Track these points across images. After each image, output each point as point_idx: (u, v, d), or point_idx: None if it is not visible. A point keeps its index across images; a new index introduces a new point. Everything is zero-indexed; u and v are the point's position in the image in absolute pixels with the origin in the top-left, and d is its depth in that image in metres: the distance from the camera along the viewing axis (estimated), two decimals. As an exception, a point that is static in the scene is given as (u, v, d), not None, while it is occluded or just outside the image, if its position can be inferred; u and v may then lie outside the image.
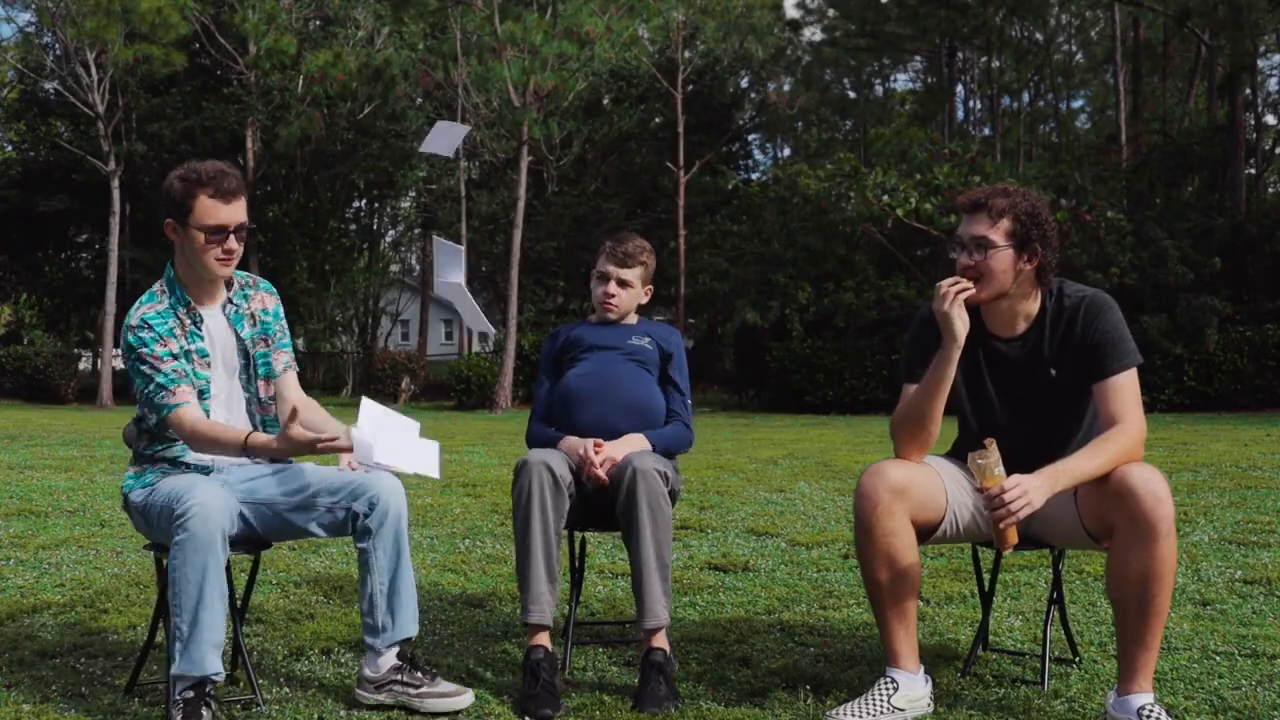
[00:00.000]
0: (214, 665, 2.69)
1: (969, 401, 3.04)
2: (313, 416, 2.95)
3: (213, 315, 3.01)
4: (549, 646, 3.10)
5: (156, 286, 2.98)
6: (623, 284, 3.57)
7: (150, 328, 2.88)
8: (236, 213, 2.83)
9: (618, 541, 5.19)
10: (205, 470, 2.99)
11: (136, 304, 2.94)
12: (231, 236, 2.85)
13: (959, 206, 2.98)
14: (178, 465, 2.98)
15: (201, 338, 2.95)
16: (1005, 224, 2.84)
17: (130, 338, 2.86)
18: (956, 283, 2.83)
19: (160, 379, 2.83)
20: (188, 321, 2.94)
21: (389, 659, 2.99)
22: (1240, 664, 3.24)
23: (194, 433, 2.80)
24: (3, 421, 16.37)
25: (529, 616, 3.10)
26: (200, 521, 2.65)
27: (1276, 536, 5.32)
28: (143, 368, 2.84)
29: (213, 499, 2.70)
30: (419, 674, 2.97)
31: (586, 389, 3.46)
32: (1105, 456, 2.69)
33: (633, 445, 3.34)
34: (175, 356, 2.87)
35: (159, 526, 2.86)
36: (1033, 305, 2.93)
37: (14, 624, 3.88)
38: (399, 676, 2.96)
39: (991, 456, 2.65)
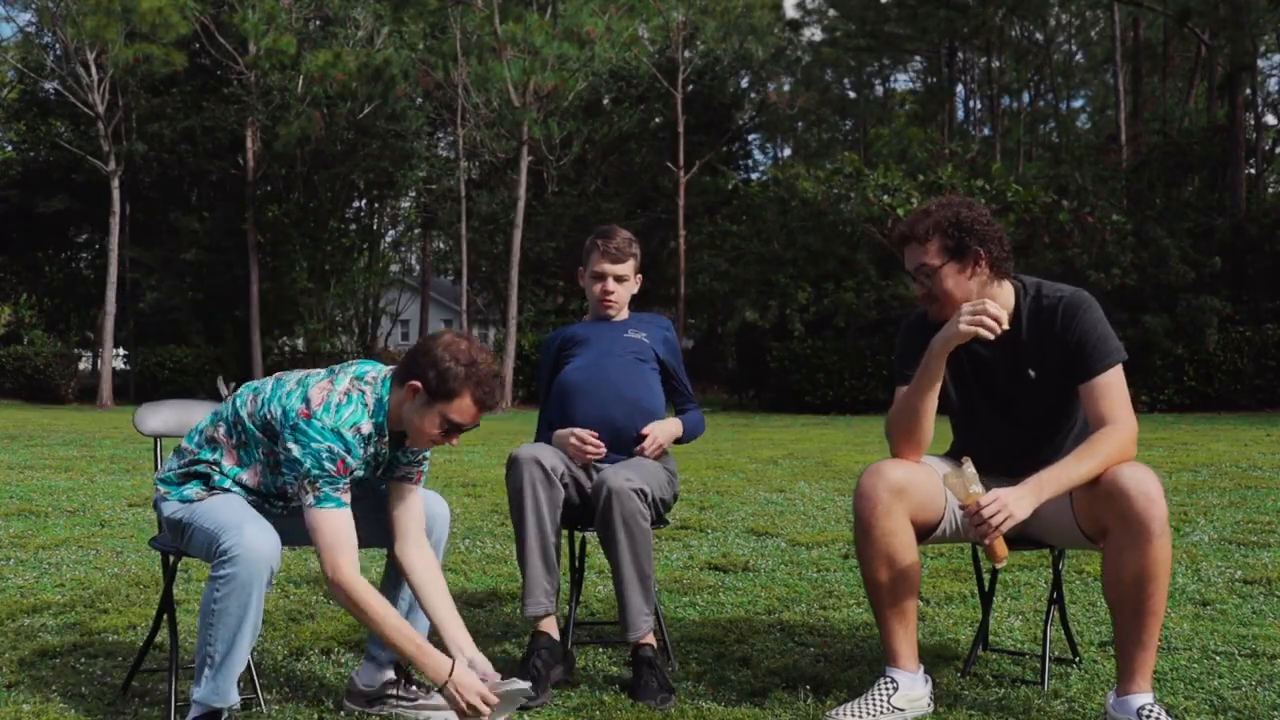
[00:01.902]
0: (235, 697, 2.68)
1: (957, 403, 3.04)
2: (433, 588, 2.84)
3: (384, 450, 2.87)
4: (553, 634, 3.16)
5: (368, 398, 2.74)
6: (619, 279, 3.60)
7: (364, 444, 2.72)
8: (479, 419, 2.78)
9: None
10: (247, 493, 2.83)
11: (351, 407, 2.70)
12: (459, 435, 2.79)
13: (892, 245, 2.99)
14: (211, 489, 2.81)
15: (365, 466, 2.83)
16: (935, 243, 2.85)
17: (350, 436, 2.67)
18: (996, 319, 2.74)
19: (338, 483, 2.67)
20: (370, 450, 2.78)
21: (386, 673, 2.96)
22: (1240, 664, 3.24)
23: (359, 598, 2.63)
24: (3, 421, 16.38)
25: (527, 609, 3.14)
26: (247, 565, 2.59)
27: (1276, 536, 5.32)
28: (329, 464, 2.64)
29: (262, 543, 2.61)
30: (414, 688, 2.95)
31: (583, 382, 3.48)
32: (1096, 460, 2.68)
33: (670, 429, 3.50)
34: (349, 474, 2.71)
35: (193, 547, 2.78)
36: (1006, 302, 2.92)
37: (14, 624, 3.88)
38: (394, 691, 2.93)
39: (966, 473, 2.64)
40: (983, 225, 2.84)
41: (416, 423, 2.71)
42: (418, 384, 2.67)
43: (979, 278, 2.86)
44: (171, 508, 2.82)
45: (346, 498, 2.68)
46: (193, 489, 2.81)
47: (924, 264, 2.86)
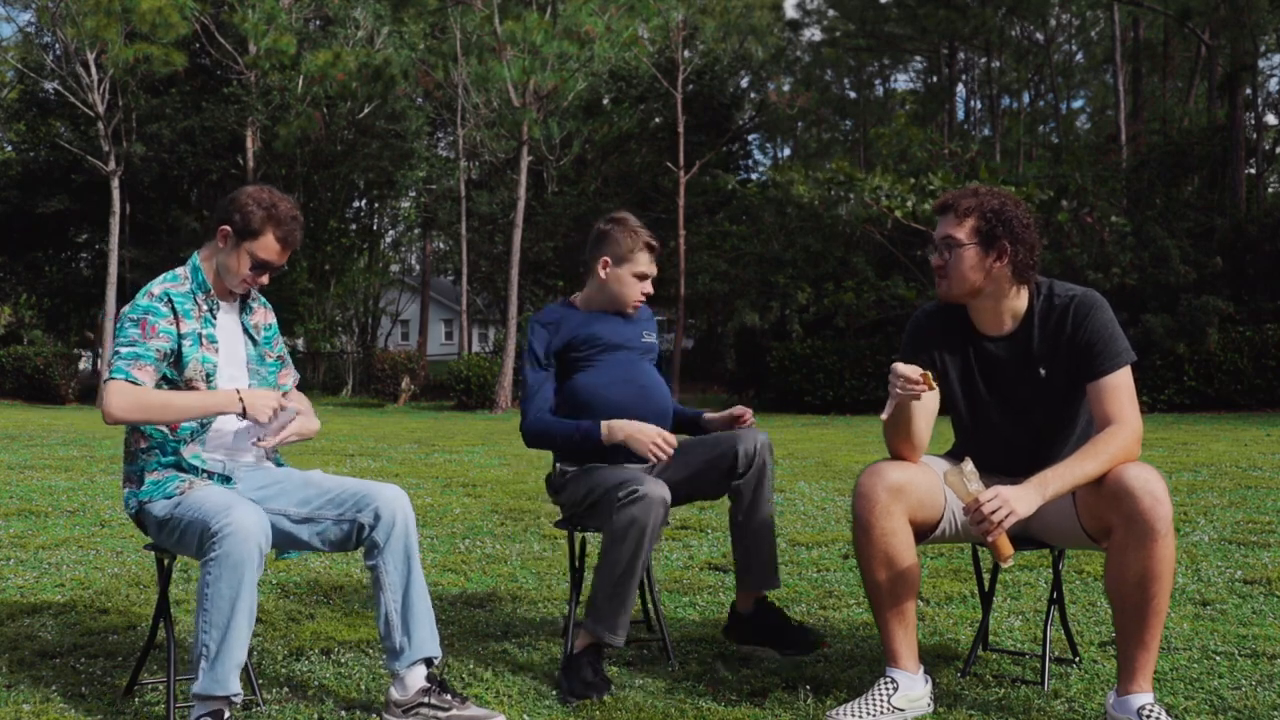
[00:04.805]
0: (235, 686, 2.65)
1: (963, 401, 3.04)
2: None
3: (226, 312, 3.08)
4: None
5: (180, 270, 3.02)
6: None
7: (171, 303, 2.92)
8: (285, 258, 3.01)
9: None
10: (225, 480, 2.93)
11: (160, 279, 2.98)
12: (268, 274, 3.01)
13: (933, 209, 3.03)
14: (197, 473, 2.90)
15: (215, 325, 3.02)
16: (970, 223, 2.88)
17: (144, 301, 2.89)
18: (905, 377, 2.73)
19: (139, 348, 2.84)
20: (205, 307, 3.00)
21: (416, 680, 2.86)
22: (1240, 664, 3.24)
23: (134, 400, 2.81)
24: (3, 421, 16.38)
25: (617, 640, 3.11)
26: (237, 541, 2.62)
27: (1276, 536, 5.32)
28: (132, 330, 2.85)
29: (250, 518, 2.66)
30: (448, 696, 2.84)
31: (627, 401, 3.36)
32: (1101, 459, 2.68)
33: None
34: (165, 355, 2.88)
35: (185, 541, 2.79)
36: (1019, 303, 2.94)
37: (14, 624, 3.87)
38: (427, 699, 2.83)
39: (965, 471, 2.64)
40: (1020, 226, 2.87)
41: (228, 264, 2.96)
42: (226, 227, 2.93)
43: (998, 273, 2.87)
44: (159, 507, 2.86)
45: (139, 373, 2.81)
46: (174, 482, 2.87)
47: (951, 236, 2.89)
